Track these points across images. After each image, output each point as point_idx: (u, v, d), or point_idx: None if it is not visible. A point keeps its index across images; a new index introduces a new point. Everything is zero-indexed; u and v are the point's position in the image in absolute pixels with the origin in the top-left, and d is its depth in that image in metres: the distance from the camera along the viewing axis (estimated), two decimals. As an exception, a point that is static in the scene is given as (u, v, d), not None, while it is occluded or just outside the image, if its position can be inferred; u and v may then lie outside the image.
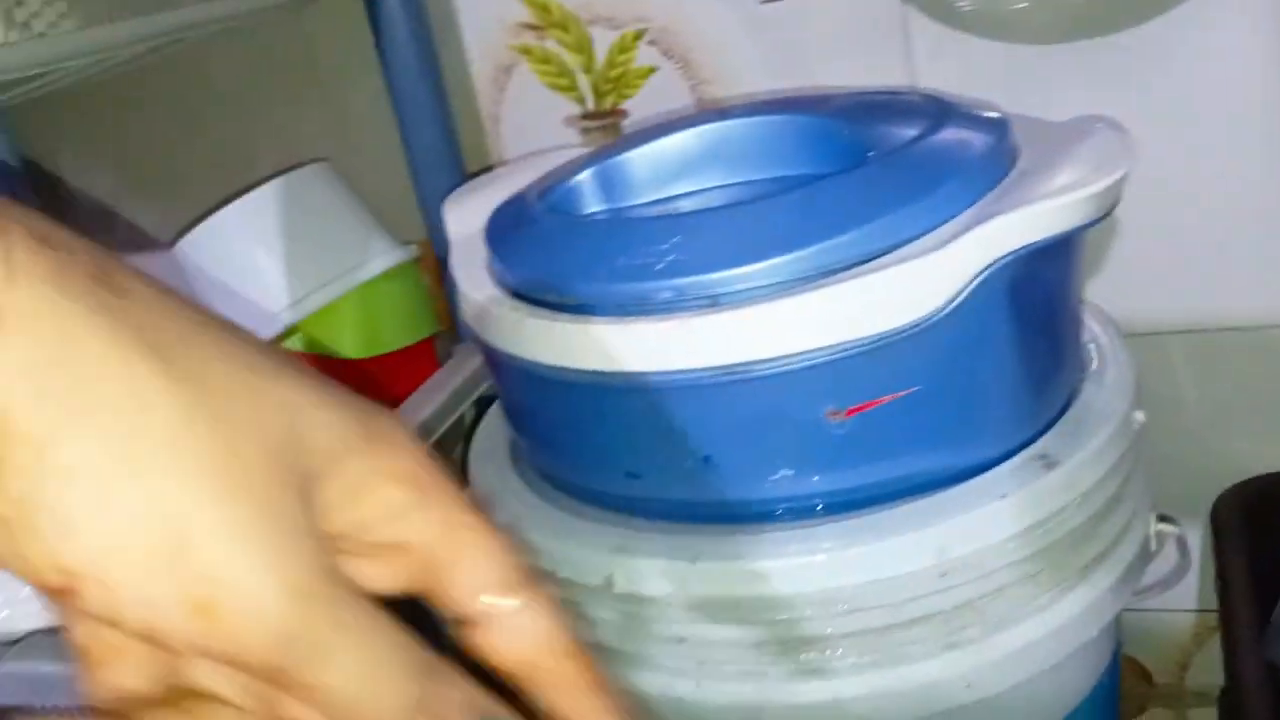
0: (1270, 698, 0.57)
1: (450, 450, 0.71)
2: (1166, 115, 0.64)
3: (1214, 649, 0.71)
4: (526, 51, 0.76)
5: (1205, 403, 0.70)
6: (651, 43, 0.73)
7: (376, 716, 0.23)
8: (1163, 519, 0.53)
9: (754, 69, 0.67)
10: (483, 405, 0.73)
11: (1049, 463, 0.46)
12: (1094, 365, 0.52)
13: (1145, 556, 0.51)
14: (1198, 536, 0.72)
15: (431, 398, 0.69)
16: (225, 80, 0.81)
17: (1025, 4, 0.61)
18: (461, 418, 0.71)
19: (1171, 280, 0.68)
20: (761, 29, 0.67)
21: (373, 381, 0.69)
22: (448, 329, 0.77)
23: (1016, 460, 0.46)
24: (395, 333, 0.70)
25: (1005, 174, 0.46)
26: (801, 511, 0.46)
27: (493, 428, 0.59)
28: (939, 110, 0.49)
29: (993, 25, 0.64)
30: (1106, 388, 0.50)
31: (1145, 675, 0.78)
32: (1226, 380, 0.69)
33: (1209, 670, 0.75)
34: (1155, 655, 0.77)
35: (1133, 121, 0.61)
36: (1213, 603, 0.64)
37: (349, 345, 0.68)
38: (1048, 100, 0.60)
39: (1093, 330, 0.55)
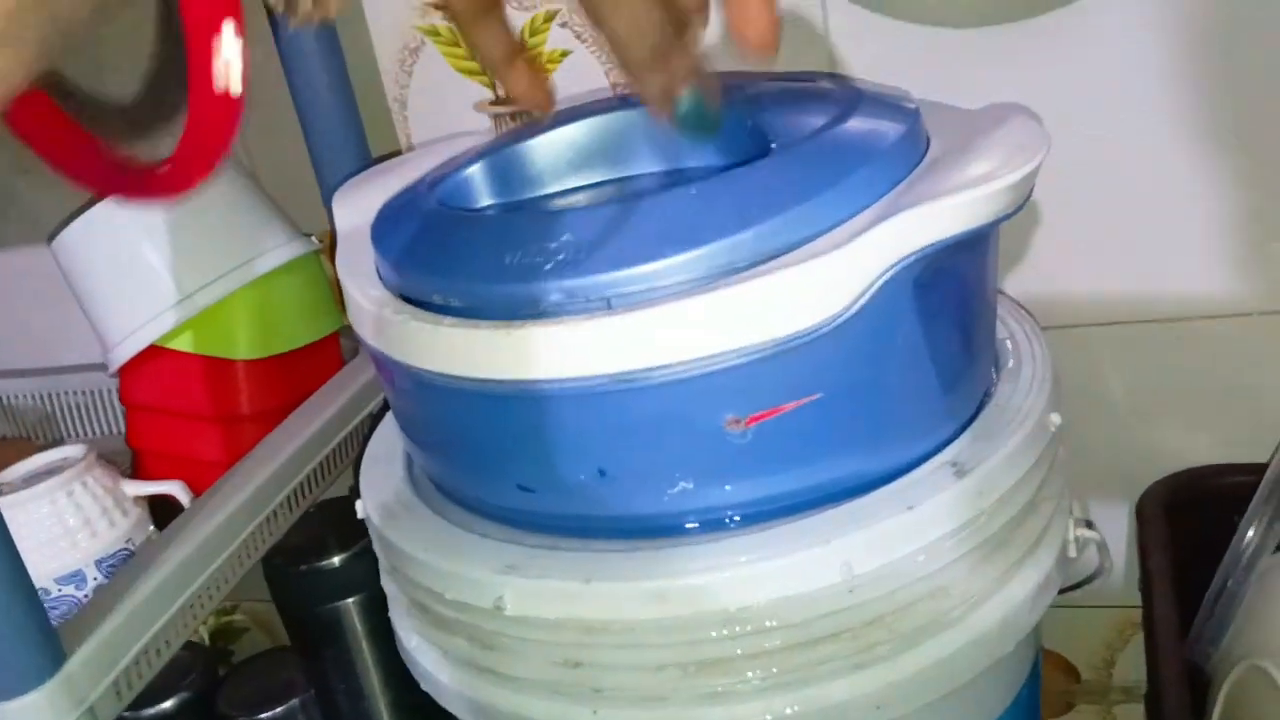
0: (1191, 698, 0.56)
1: (352, 458, 0.67)
2: (1085, 102, 0.62)
3: (1140, 645, 0.70)
4: (434, 33, 0.72)
5: (1129, 396, 0.69)
6: (563, 25, 0.70)
7: (636, 48, 0.32)
8: (1082, 523, 0.51)
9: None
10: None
11: (959, 470, 0.44)
12: (1009, 363, 0.50)
13: (1064, 563, 0.49)
14: (1123, 531, 0.71)
15: (333, 398, 0.66)
16: (107, 55, 0.76)
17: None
18: (370, 417, 0.68)
19: (1093, 271, 0.66)
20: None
21: (270, 383, 0.65)
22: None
23: (926, 468, 0.44)
24: (294, 330, 0.67)
25: (915, 165, 0.44)
26: (702, 526, 0.43)
27: (388, 433, 0.56)
28: (847, 97, 0.47)
29: (911, 8, 0.62)
30: (1021, 388, 0.48)
31: (1071, 672, 0.76)
32: (1151, 373, 0.68)
33: (1136, 666, 0.74)
34: (1081, 651, 0.76)
35: (1050, 108, 0.60)
36: (1138, 598, 0.63)
37: (243, 345, 0.64)
38: (965, 85, 0.58)
39: (1008, 326, 0.53)
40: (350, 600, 0.73)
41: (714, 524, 0.43)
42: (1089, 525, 0.51)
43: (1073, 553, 0.50)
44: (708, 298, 0.39)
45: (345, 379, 0.68)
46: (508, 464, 0.44)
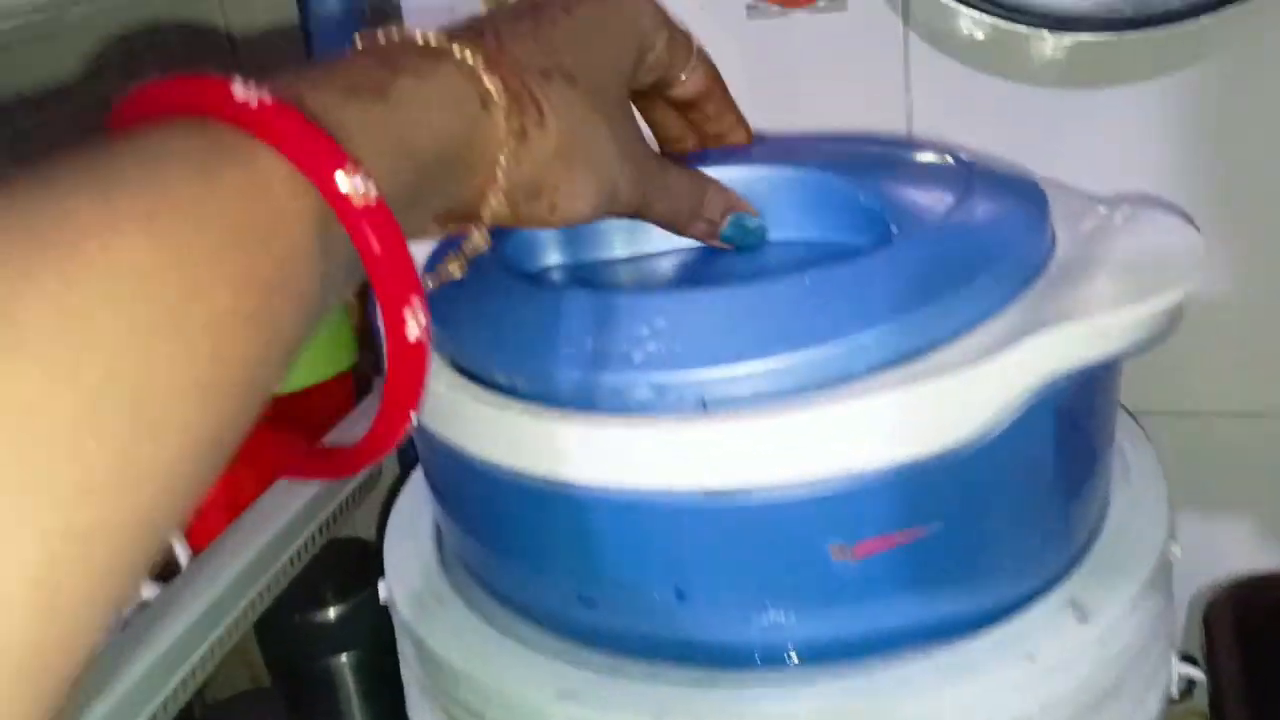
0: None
1: (361, 501, 0.62)
2: (1165, 174, 0.57)
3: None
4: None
5: (1187, 491, 0.64)
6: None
7: (679, 219, 0.40)
8: (1184, 658, 0.46)
9: (738, 88, 0.59)
10: (405, 453, 0.64)
11: (1082, 613, 0.39)
12: (1121, 478, 0.45)
13: (1165, 707, 0.44)
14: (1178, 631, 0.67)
15: (344, 442, 0.60)
16: (129, 58, 0.70)
17: (1053, 52, 0.54)
18: (383, 463, 0.62)
19: (1156, 359, 0.61)
20: (750, 45, 0.59)
21: (276, 426, 0.59)
22: (367, 350, 0.68)
23: (1044, 608, 0.39)
24: (305, 368, 0.61)
25: (1045, 263, 0.39)
26: (790, 660, 0.38)
27: (415, 501, 0.50)
28: (970, 177, 0.42)
29: (999, 62, 0.57)
30: (1140, 512, 0.43)
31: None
32: (1211, 469, 0.63)
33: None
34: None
35: (1131, 180, 0.55)
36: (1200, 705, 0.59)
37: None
38: (1048, 147, 0.53)
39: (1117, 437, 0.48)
40: (344, 656, 0.67)
41: (806, 660, 0.38)
42: (1191, 660, 0.46)
43: (1175, 693, 0.45)
44: (824, 410, 0.34)
45: (359, 421, 0.62)
46: (569, 571, 0.39)
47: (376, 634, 0.67)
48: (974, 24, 0.51)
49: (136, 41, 0.67)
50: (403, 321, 0.25)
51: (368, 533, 0.71)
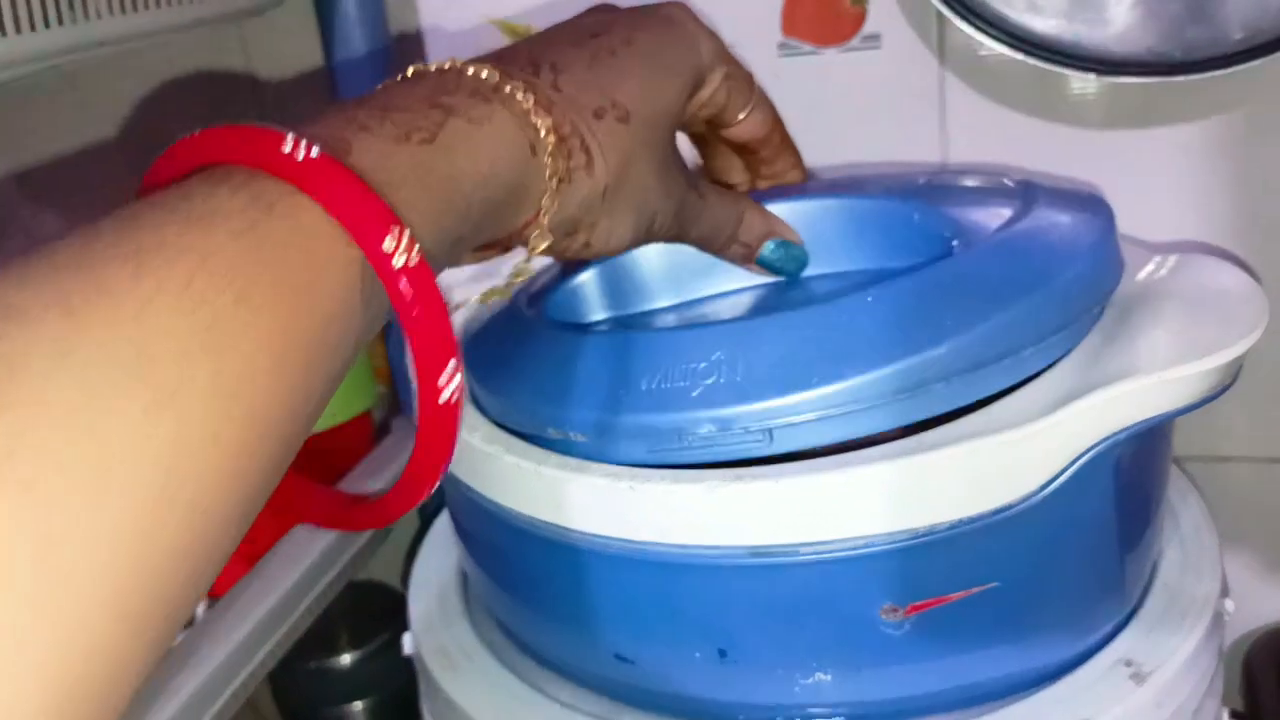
0: None
1: (378, 547, 0.60)
2: (1205, 218, 0.56)
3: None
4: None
5: (1228, 539, 0.62)
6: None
7: (716, 242, 0.39)
8: (1234, 715, 0.44)
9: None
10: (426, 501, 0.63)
11: (1137, 674, 0.37)
12: (1171, 531, 0.44)
13: (1218, 765, 0.43)
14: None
15: (366, 485, 0.59)
16: (155, 103, 0.69)
17: (1095, 93, 0.53)
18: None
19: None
20: (784, 83, 0.58)
21: (296, 469, 0.58)
22: (387, 389, 0.67)
23: (1097, 667, 0.38)
24: (325, 410, 0.59)
25: (1103, 312, 0.38)
26: (837, 723, 0.37)
27: (439, 551, 0.49)
28: (1027, 200, 0.40)
29: (1035, 102, 0.56)
30: (1191, 566, 0.42)
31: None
32: (1248, 515, 0.62)
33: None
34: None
35: (1169, 222, 0.54)
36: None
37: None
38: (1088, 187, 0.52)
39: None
40: (360, 705, 0.66)
41: (852, 723, 0.36)
42: (1238, 715, 0.45)
43: (1224, 751, 0.44)
44: (878, 468, 0.33)
45: (378, 462, 0.61)
46: (607, 629, 0.37)
47: (392, 680, 0.65)
48: (1008, 61, 0.50)
49: (160, 84, 0.66)
50: (437, 383, 0.25)
51: (382, 576, 0.70)
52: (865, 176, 0.47)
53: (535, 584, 0.39)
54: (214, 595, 0.53)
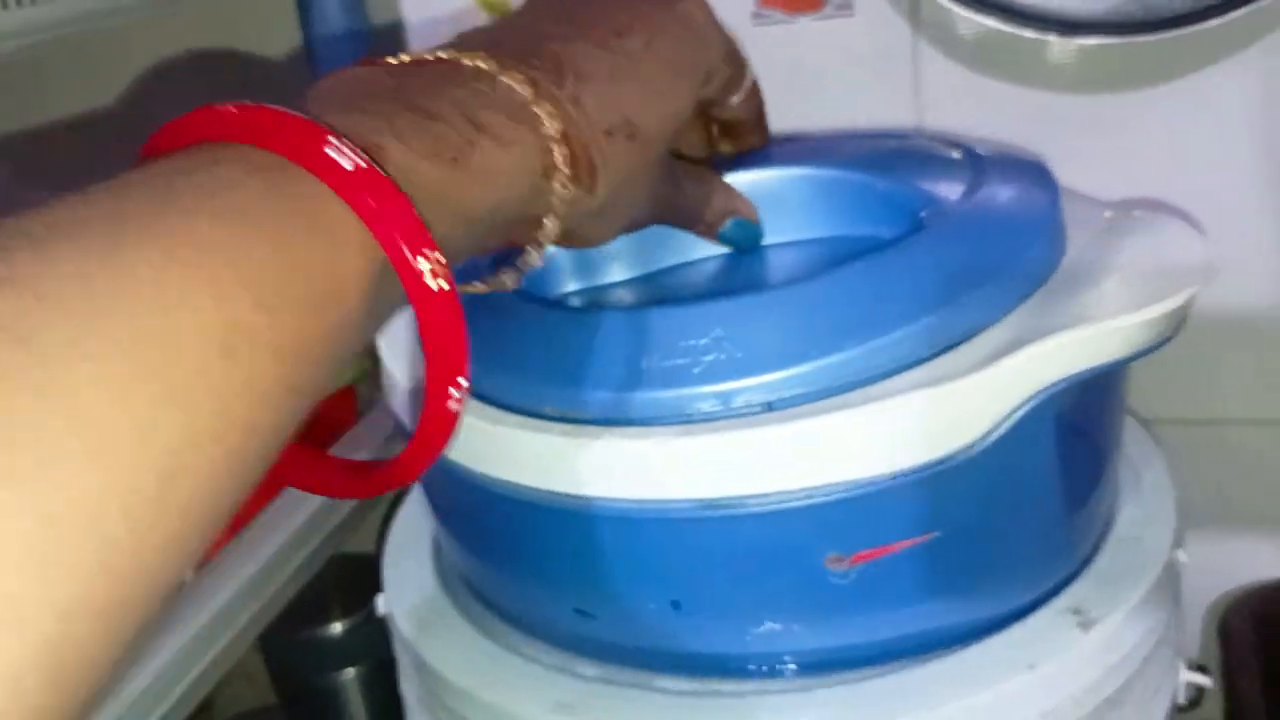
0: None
1: (364, 517, 0.61)
2: (1182, 181, 0.56)
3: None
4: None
5: (1208, 502, 0.63)
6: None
7: (686, 218, 0.41)
8: (1194, 667, 0.45)
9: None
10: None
11: (1084, 621, 0.38)
12: (1128, 485, 0.45)
13: (1172, 715, 0.44)
14: (1195, 640, 0.66)
15: (349, 455, 0.60)
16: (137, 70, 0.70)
17: (1064, 57, 0.54)
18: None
19: (1173, 367, 0.60)
20: (759, 51, 0.59)
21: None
22: (374, 365, 0.68)
23: (1045, 615, 0.38)
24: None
25: (1054, 268, 0.38)
26: (789, 672, 0.37)
27: (414, 517, 0.50)
28: (975, 164, 0.41)
29: (1011, 69, 0.56)
30: (1145, 518, 0.43)
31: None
32: (1229, 479, 0.62)
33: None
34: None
35: (1146, 185, 0.54)
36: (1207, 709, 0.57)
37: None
38: (1059, 152, 0.53)
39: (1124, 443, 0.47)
40: (351, 672, 0.67)
41: (804, 670, 0.37)
42: (1201, 669, 0.45)
43: (1182, 699, 0.44)
44: (821, 420, 0.33)
45: (362, 436, 0.62)
46: (565, 585, 0.39)
47: (382, 649, 0.66)
48: (983, 28, 0.51)
49: (146, 63, 0.67)
50: (446, 394, 0.26)
51: (372, 549, 0.71)
52: (821, 143, 0.47)
53: (496, 542, 0.40)
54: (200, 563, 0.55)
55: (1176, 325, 0.36)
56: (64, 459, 0.18)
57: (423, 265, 0.24)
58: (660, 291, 0.42)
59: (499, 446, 0.36)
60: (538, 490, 0.36)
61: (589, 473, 0.35)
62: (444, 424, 0.27)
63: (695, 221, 0.41)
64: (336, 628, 0.67)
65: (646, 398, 0.34)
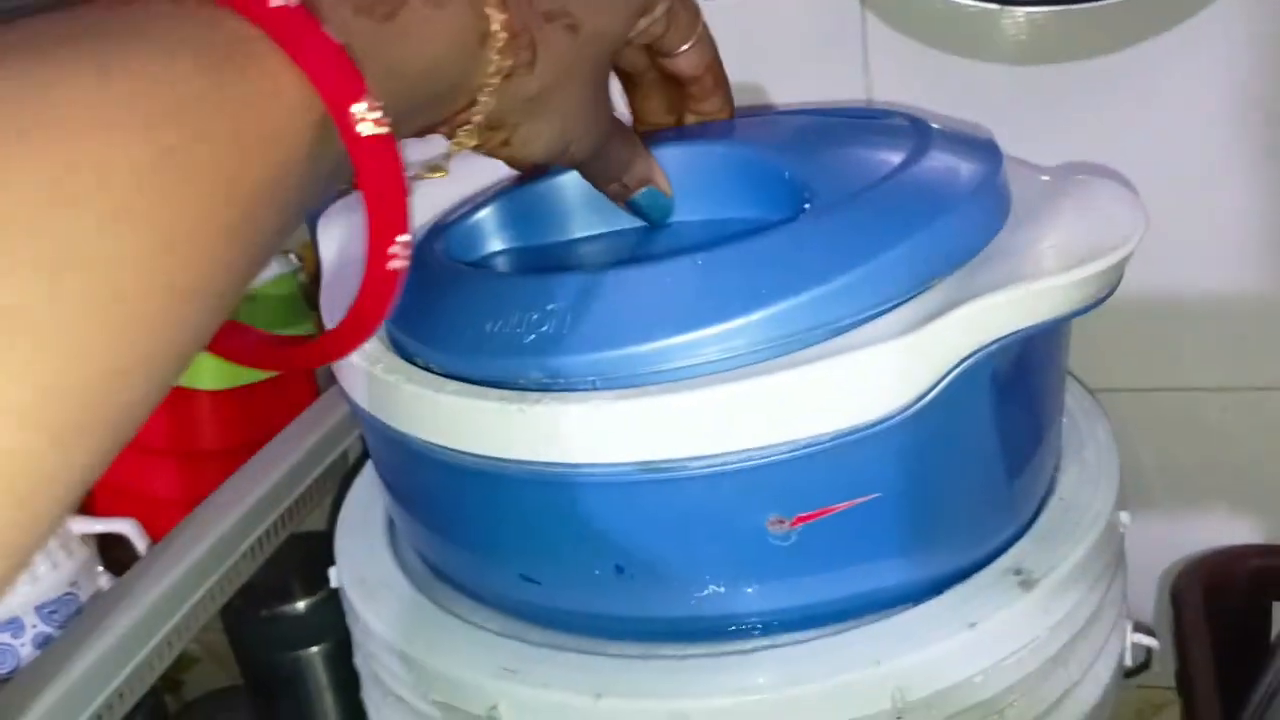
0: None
1: (321, 494, 0.61)
2: (1133, 150, 0.56)
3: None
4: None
5: (1162, 469, 0.64)
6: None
7: (600, 179, 0.40)
8: (1139, 628, 0.46)
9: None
10: (361, 444, 0.64)
11: (1025, 580, 0.38)
12: (1071, 450, 0.45)
13: (1120, 676, 0.44)
14: (1149, 608, 0.67)
15: (306, 435, 0.60)
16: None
17: (1012, 29, 0.54)
18: (345, 455, 0.62)
19: (1127, 336, 0.61)
20: (711, 23, 0.59)
21: (236, 417, 0.59)
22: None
23: (986, 576, 0.39)
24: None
25: (995, 233, 0.39)
26: (732, 634, 0.38)
27: (367, 491, 0.50)
28: (921, 136, 0.41)
29: (960, 42, 0.57)
30: (1087, 481, 0.43)
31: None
32: (1182, 446, 0.63)
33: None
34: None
35: (1097, 155, 0.55)
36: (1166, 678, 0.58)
37: (208, 374, 0.58)
38: (1009, 123, 0.53)
39: (1066, 403, 0.47)
40: (314, 649, 0.67)
41: (746, 632, 0.38)
42: (1148, 631, 0.46)
43: (1129, 661, 0.45)
44: (759, 381, 0.34)
45: (319, 413, 0.62)
46: (510, 551, 0.39)
47: (344, 626, 0.67)
48: (930, 2, 0.51)
49: None
50: (386, 251, 0.26)
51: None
52: (766, 119, 0.47)
53: (441, 509, 0.40)
54: (154, 538, 0.55)
55: (1110, 285, 0.36)
56: (11, 271, 0.18)
57: (358, 109, 0.24)
58: (585, 258, 0.42)
59: (440, 414, 0.37)
60: (479, 457, 0.36)
61: (529, 438, 0.35)
62: (386, 285, 0.26)
63: (611, 180, 0.40)
64: (299, 606, 0.66)
65: (583, 360, 0.35)
